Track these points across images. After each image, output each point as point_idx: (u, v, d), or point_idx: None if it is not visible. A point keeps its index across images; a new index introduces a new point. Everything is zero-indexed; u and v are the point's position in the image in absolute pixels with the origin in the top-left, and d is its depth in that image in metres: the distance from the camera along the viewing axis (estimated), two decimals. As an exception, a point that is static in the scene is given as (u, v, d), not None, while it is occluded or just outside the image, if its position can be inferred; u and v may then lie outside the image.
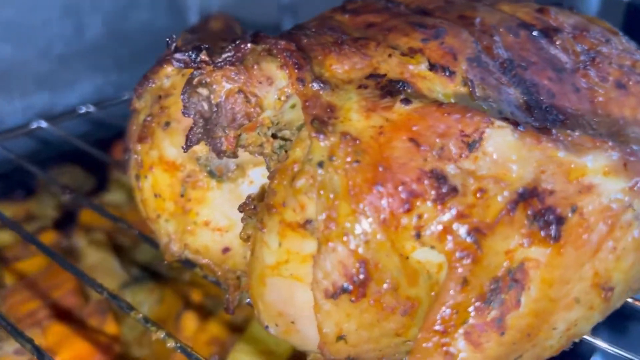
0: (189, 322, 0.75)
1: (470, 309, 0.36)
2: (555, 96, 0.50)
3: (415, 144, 0.38)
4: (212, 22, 0.61)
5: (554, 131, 0.40)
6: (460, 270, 0.36)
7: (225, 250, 0.51)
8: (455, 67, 0.46)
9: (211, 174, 0.49)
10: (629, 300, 0.51)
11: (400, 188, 0.37)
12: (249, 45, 0.41)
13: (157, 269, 0.87)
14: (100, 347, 0.72)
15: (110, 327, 0.76)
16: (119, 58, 1.11)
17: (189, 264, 0.55)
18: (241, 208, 0.44)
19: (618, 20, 0.78)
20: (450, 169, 0.37)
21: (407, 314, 0.38)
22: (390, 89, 0.42)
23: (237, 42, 0.40)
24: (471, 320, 0.36)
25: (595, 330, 0.44)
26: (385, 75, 0.44)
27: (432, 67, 0.45)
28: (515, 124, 0.39)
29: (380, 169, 0.37)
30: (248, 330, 0.73)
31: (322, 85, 0.41)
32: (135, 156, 0.52)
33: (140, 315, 0.50)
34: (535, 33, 0.53)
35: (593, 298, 0.37)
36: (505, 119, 0.40)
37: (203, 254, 0.51)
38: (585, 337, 0.46)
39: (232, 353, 0.69)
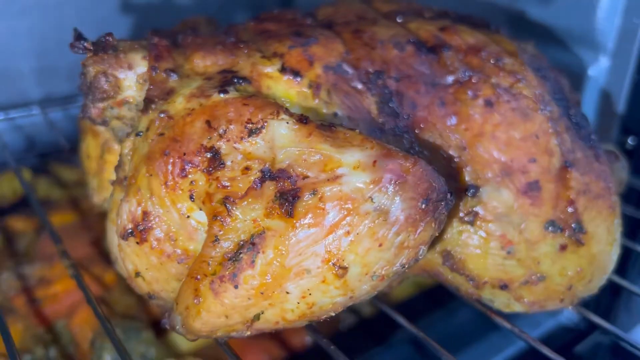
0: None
1: (218, 263, 0.44)
2: (416, 107, 0.54)
3: (208, 124, 0.46)
4: (188, 23, 0.73)
5: (333, 128, 0.45)
6: (214, 230, 0.44)
7: (132, 207, 0.62)
8: (306, 72, 0.53)
9: (120, 142, 0.60)
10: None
11: (182, 158, 0.45)
12: (110, 38, 0.51)
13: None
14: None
15: (109, 276, 0.91)
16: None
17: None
18: (115, 169, 0.55)
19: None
20: (225, 147, 0.45)
21: (183, 262, 0.46)
22: (227, 82, 0.50)
23: (105, 35, 0.52)
24: (216, 273, 0.44)
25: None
26: (236, 72, 0.52)
27: (283, 69, 0.52)
28: (301, 118, 0.46)
29: (174, 141, 0.46)
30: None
31: (170, 73, 0.51)
32: (82, 126, 0.65)
33: (62, 248, 0.63)
34: (422, 49, 0.57)
35: (325, 272, 0.42)
36: (293, 114, 0.46)
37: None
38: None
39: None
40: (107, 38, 0.51)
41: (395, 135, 0.53)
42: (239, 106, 0.46)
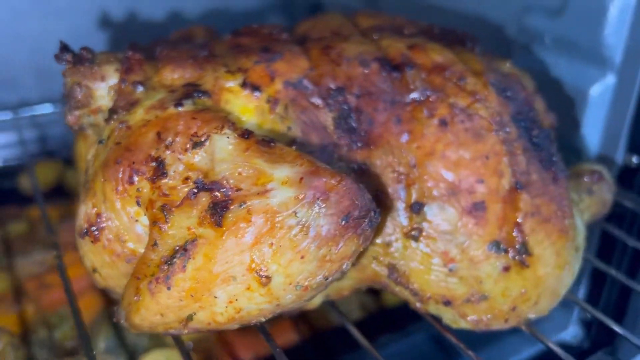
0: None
1: (155, 265, 0.47)
2: (373, 123, 0.56)
3: (158, 136, 0.50)
4: (184, 33, 0.77)
5: (272, 144, 0.48)
6: (153, 234, 0.47)
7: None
8: (266, 87, 0.55)
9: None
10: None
11: (131, 166, 0.49)
12: (85, 52, 0.56)
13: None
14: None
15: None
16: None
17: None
18: (84, 173, 0.60)
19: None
20: (170, 158, 0.48)
21: (131, 262, 0.50)
22: (187, 95, 0.54)
23: (81, 49, 0.56)
24: (154, 274, 0.47)
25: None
26: (198, 85, 0.55)
27: (244, 84, 0.55)
28: (243, 133, 0.49)
29: (127, 150, 0.50)
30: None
31: (137, 85, 0.55)
32: (77, 127, 0.70)
33: (53, 239, 0.68)
34: (386, 67, 0.58)
35: (250, 280, 0.45)
36: (237, 129, 0.49)
37: (102, 206, 0.67)
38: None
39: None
40: (82, 52, 0.56)
41: (350, 150, 0.55)
42: (188, 119, 0.50)
